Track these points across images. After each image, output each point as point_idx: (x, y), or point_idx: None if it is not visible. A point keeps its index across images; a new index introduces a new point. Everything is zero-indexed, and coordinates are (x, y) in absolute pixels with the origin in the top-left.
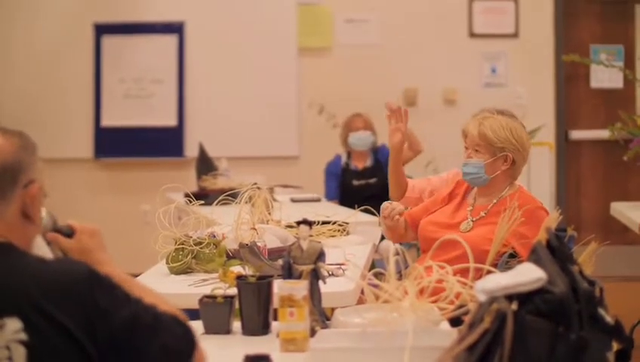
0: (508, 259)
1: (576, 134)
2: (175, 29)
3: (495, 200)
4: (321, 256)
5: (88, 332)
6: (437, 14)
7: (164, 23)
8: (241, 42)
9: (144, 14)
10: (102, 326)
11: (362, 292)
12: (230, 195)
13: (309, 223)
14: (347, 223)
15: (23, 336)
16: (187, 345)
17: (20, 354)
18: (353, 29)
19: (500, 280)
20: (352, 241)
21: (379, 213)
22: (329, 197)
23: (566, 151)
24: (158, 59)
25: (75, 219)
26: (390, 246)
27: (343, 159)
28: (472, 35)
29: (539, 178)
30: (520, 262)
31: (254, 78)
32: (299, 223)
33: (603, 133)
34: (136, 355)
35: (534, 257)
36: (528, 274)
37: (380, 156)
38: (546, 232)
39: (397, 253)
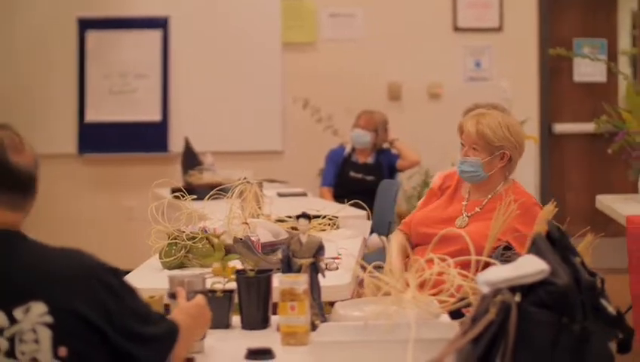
0: (503, 252)
1: (560, 128)
2: (159, 24)
3: (490, 196)
4: (320, 249)
5: (106, 318)
6: (421, 9)
7: (148, 18)
8: (225, 37)
9: (128, 9)
10: (117, 312)
11: (360, 285)
12: (218, 190)
13: (308, 217)
14: (337, 217)
15: (48, 319)
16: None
17: (46, 336)
18: (337, 24)
19: (502, 273)
20: (343, 235)
21: (370, 207)
22: (325, 183)
23: (550, 144)
24: (143, 54)
25: (58, 215)
26: (384, 239)
27: (347, 149)
28: (457, 29)
29: (523, 172)
30: (515, 253)
31: (238, 72)
32: (298, 217)
33: (586, 127)
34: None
35: (534, 249)
36: (531, 266)
37: (382, 158)
38: (545, 224)
39: (384, 247)
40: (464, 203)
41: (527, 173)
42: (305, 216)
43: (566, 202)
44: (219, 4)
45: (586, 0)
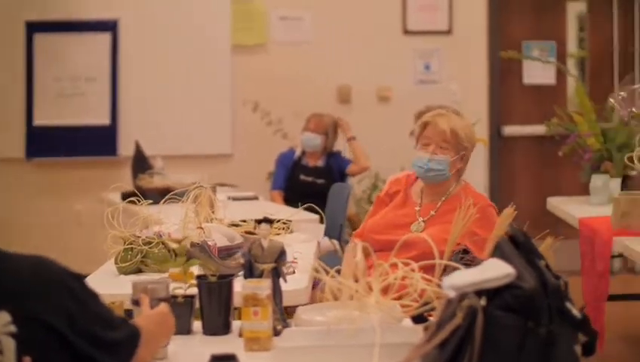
0: (462, 255)
1: (509, 130)
2: (109, 26)
3: (444, 198)
4: (281, 254)
5: (70, 324)
6: (371, 11)
7: (97, 21)
8: (174, 40)
9: (77, 12)
10: (81, 318)
11: (321, 289)
12: (166, 194)
13: (269, 221)
14: (290, 221)
15: (12, 329)
16: None
17: (10, 346)
18: (287, 26)
19: (468, 277)
20: (297, 239)
21: (322, 211)
22: (274, 186)
23: (499, 146)
24: (92, 57)
25: (6, 220)
26: (335, 243)
27: (298, 153)
28: (406, 32)
29: (472, 173)
30: (474, 257)
31: (188, 75)
32: (259, 222)
33: (535, 129)
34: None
35: (499, 253)
36: (496, 270)
37: (332, 161)
38: (506, 227)
39: (335, 250)
40: (417, 208)
41: (476, 175)
42: (266, 220)
43: (515, 204)
44: (168, 6)
45: (534, 3)
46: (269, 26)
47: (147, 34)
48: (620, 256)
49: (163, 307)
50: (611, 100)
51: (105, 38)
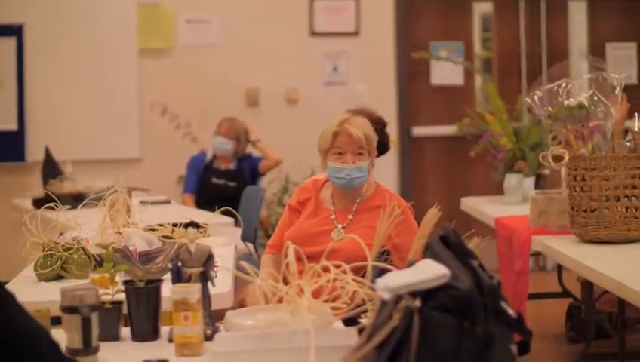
0: (387, 257)
1: (418, 131)
2: (14, 31)
3: (359, 200)
4: (209, 258)
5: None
6: (278, 14)
7: (2, 26)
8: (81, 44)
9: None
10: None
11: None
12: (78, 199)
13: (197, 226)
14: (207, 225)
15: None
16: None
17: None
18: (195, 30)
19: (402, 278)
20: (215, 243)
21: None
22: (186, 189)
23: (409, 147)
24: None
25: None
26: (249, 246)
27: (209, 156)
28: (313, 34)
29: (382, 174)
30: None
31: (95, 79)
32: (187, 226)
33: (444, 129)
34: None
35: (430, 253)
36: (431, 271)
37: (244, 164)
38: (439, 227)
39: (250, 253)
40: (333, 216)
41: (386, 176)
42: (193, 224)
43: (426, 205)
44: (74, 10)
45: (441, 4)
46: (177, 29)
47: (53, 38)
48: (535, 254)
49: None
50: (527, 100)
51: (10, 42)
